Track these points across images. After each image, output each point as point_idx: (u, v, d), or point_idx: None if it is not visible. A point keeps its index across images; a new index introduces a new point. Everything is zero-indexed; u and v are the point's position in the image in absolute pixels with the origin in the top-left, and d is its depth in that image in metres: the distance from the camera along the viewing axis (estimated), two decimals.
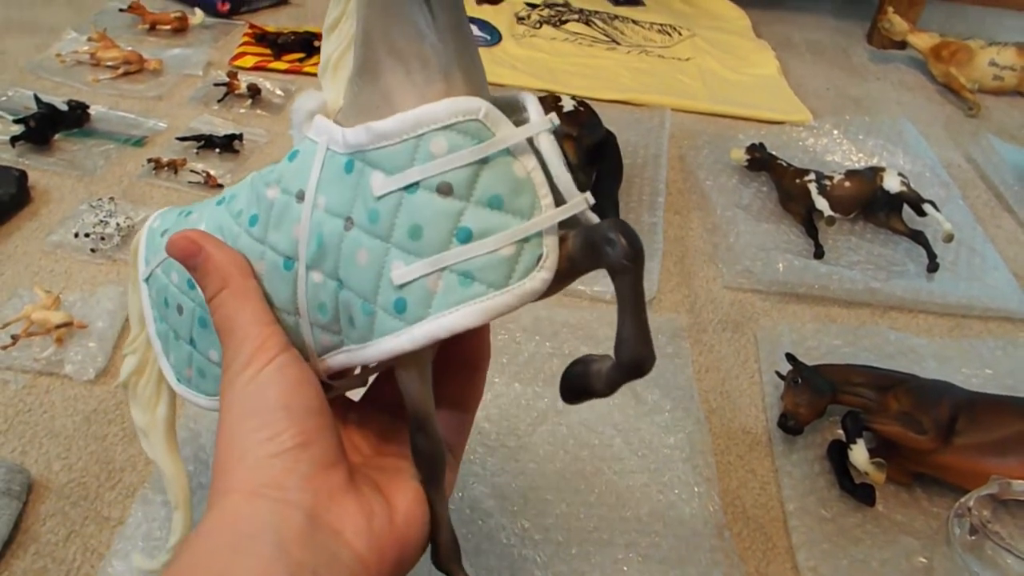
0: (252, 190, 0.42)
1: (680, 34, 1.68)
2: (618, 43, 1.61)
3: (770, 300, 0.97)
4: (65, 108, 1.10)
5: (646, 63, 1.53)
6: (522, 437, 0.75)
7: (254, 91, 1.23)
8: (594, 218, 0.38)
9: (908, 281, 1.00)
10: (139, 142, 1.12)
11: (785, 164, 1.13)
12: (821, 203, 1.04)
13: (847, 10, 1.94)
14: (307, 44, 1.39)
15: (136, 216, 0.95)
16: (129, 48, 1.28)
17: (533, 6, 1.70)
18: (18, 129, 1.05)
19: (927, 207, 1.04)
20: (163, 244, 0.46)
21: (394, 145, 0.36)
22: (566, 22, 1.66)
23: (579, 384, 0.39)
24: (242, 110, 1.22)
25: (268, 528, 0.34)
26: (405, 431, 0.43)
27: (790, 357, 0.80)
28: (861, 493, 0.73)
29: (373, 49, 0.37)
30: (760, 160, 1.15)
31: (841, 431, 0.75)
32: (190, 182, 1.04)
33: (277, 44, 1.38)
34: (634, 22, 1.71)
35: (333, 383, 0.44)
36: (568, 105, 1.06)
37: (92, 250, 0.91)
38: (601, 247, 0.35)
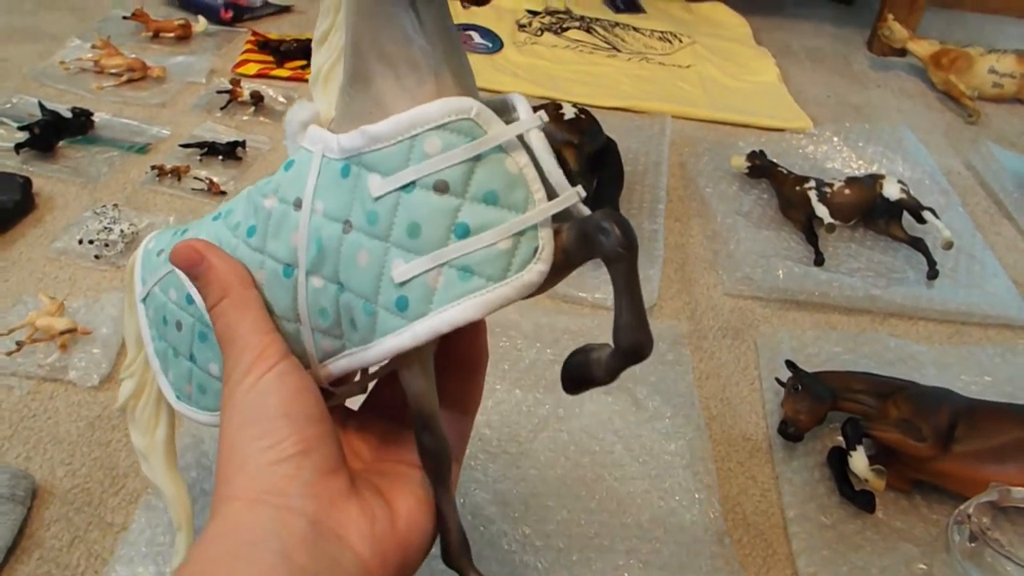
0: (248, 202, 0.43)
1: (680, 41, 1.68)
2: (619, 50, 1.61)
3: (770, 307, 0.98)
4: (69, 115, 1.11)
5: (647, 70, 1.54)
6: (523, 443, 0.75)
7: (257, 98, 1.24)
8: (586, 211, 0.39)
9: (908, 288, 1.00)
10: (143, 149, 1.12)
11: (785, 171, 1.13)
12: (821, 210, 1.04)
13: (847, 17, 1.95)
14: (309, 51, 1.38)
15: (140, 223, 0.96)
16: (133, 55, 1.29)
17: (534, 13, 1.71)
18: (23, 136, 1.06)
19: (927, 214, 1.04)
20: (160, 263, 0.47)
21: (389, 147, 0.36)
22: (567, 29, 1.67)
23: (579, 373, 0.39)
24: (245, 117, 1.23)
25: (270, 535, 0.35)
26: (406, 437, 0.44)
27: (790, 364, 0.81)
28: (861, 500, 0.73)
29: (363, 57, 0.37)
30: (760, 167, 1.15)
31: (841, 438, 0.76)
32: (193, 189, 1.05)
33: (280, 51, 1.39)
34: (635, 29, 1.71)
35: (334, 390, 0.45)
36: (569, 113, 1.06)
37: (96, 257, 0.91)
38: (595, 237, 0.36)
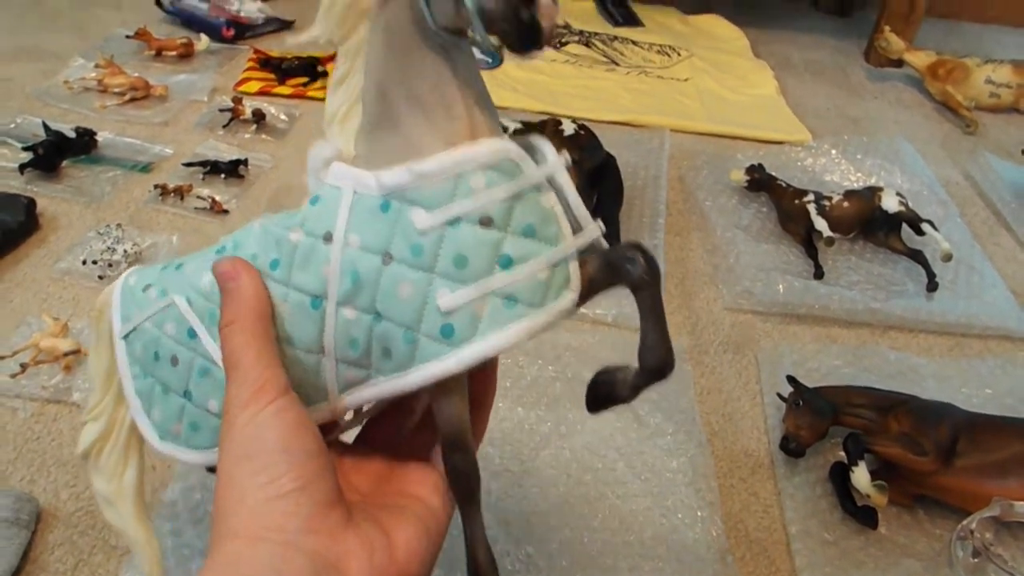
0: (266, 236, 0.43)
1: (679, 54, 1.69)
2: (617, 64, 1.62)
3: (771, 321, 0.98)
4: (73, 135, 1.12)
5: (645, 84, 1.55)
6: (526, 462, 0.76)
7: (259, 116, 1.24)
8: (605, 242, 0.42)
9: (908, 300, 1.00)
10: (146, 168, 1.13)
11: (784, 185, 1.14)
12: (820, 224, 1.05)
13: (845, 29, 1.96)
14: (311, 68, 1.40)
15: (143, 243, 0.96)
16: (136, 74, 1.30)
17: None
18: (27, 156, 1.07)
19: (925, 227, 1.05)
20: (151, 299, 0.46)
21: (435, 183, 0.39)
22: (566, 44, 1.68)
23: (605, 392, 0.43)
24: (247, 135, 1.23)
25: (271, 571, 0.35)
26: (402, 472, 0.45)
27: (791, 379, 0.81)
28: (864, 515, 0.73)
29: (389, 101, 0.40)
30: (759, 181, 1.16)
31: (843, 453, 0.76)
32: (196, 208, 1.05)
33: (281, 69, 1.40)
34: (633, 43, 1.72)
35: (341, 421, 0.45)
36: (569, 129, 1.07)
37: (100, 277, 0.92)
38: (623, 267, 0.40)
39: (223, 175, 1.12)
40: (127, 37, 1.43)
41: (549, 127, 1.10)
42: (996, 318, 0.99)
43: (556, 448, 0.77)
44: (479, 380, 0.47)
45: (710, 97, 1.52)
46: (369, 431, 0.49)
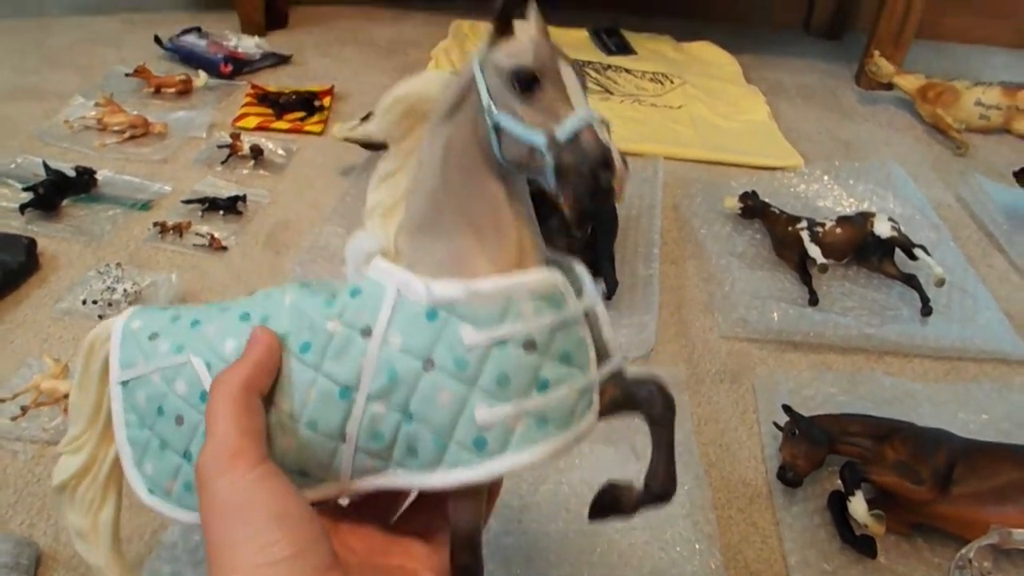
0: (299, 316, 0.44)
1: (672, 82, 1.71)
2: (611, 92, 1.64)
3: (766, 349, 0.99)
4: (73, 174, 1.13)
5: (639, 112, 1.56)
6: (524, 497, 0.76)
7: (256, 152, 1.26)
8: (625, 366, 0.46)
9: (902, 326, 1.01)
10: (145, 206, 1.14)
11: (778, 211, 1.15)
12: (814, 250, 1.06)
13: (835, 52, 1.98)
14: (308, 103, 1.42)
15: (143, 281, 0.97)
16: (135, 112, 1.31)
17: None
18: (27, 196, 1.08)
19: (918, 252, 1.06)
20: (155, 349, 0.46)
21: (487, 304, 0.41)
22: None
23: (609, 505, 0.47)
24: (245, 171, 1.25)
25: None
26: (401, 544, 0.46)
27: (787, 408, 0.82)
28: (862, 545, 0.74)
29: (440, 211, 0.43)
30: (753, 208, 1.17)
31: (840, 481, 0.76)
32: (195, 245, 1.06)
33: (279, 104, 1.41)
34: (626, 71, 1.74)
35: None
36: None
37: (100, 316, 0.92)
38: (643, 403, 0.45)
39: (222, 211, 1.13)
40: (126, 75, 1.45)
41: None
42: (991, 342, 1.00)
43: (555, 483, 0.78)
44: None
45: (703, 124, 1.54)
46: (366, 498, 0.49)
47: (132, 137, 1.29)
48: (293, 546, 0.37)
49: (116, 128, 1.29)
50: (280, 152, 1.30)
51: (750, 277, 1.09)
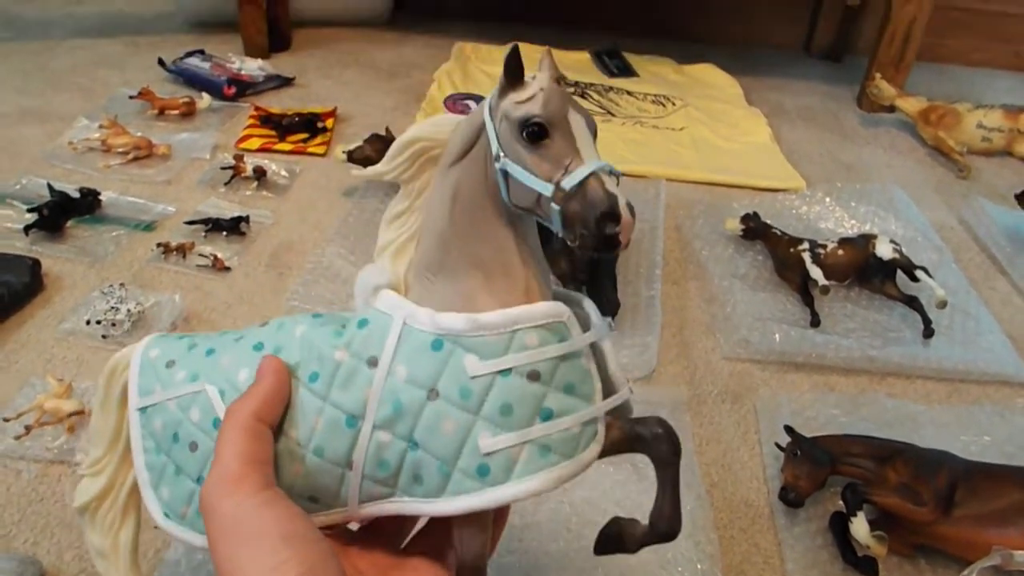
0: (309, 347, 0.45)
1: (674, 104, 1.72)
2: (613, 115, 1.65)
3: (768, 370, 0.99)
4: (77, 195, 1.13)
5: (641, 134, 1.57)
6: (525, 516, 0.76)
7: (260, 173, 1.27)
8: (631, 402, 0.47)
9: (904, 348, 1.01)
10: (149, 227, 1.15)
11: (779, 233, 1.15)
12: (815, 272, 1.06)
13: (837, 75, 1.99)
14: (311, 125, 1.43)
15: (146, 302, 0.98)
16: (139, 134, 1.32)
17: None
18: (31, 217, 1.09)
19: (920, 274, 1.06)
20: (172, 377, 0.47)
21: (492, 335, 0.42)
22: None
23: (613, 543, 0.49)
24: (248, 192, 1.25)
25: None
26: (410, 564, 0.46)
27: (788, 429, 0.82)
28: (865, 566, 0.73)
29: (449, 253, 0.45)
30: (755, 229, 1.17)
31: (842, 502, 0.76)
32: (198, 265, 1.07)
33: (282, 125, 1.42)
34: (628, 93, 1.75)
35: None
36: None
37: (103, 336, 0.93)
38: (649, 442, 0.45)
39: (225, 232, 1.13)
40: (130, 97, 1.46)
41: None
42: (993, 364, 1.00)
43: (556, 502, 0.77)
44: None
45: (705, 146, 1.54)
46: (376, 522, 0.50)
47: (136, 159, 1.30)
48: (302, 565, 0.37)
49: (120, 150, 1.30)
50: (283, 173, 1.31)
51: (752, 298, 1.09)
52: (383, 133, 1.26)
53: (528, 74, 0.43)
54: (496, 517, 0.49)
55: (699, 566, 0.72)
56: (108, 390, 0.50)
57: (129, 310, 0.95)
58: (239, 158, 1.28)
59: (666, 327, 1.04)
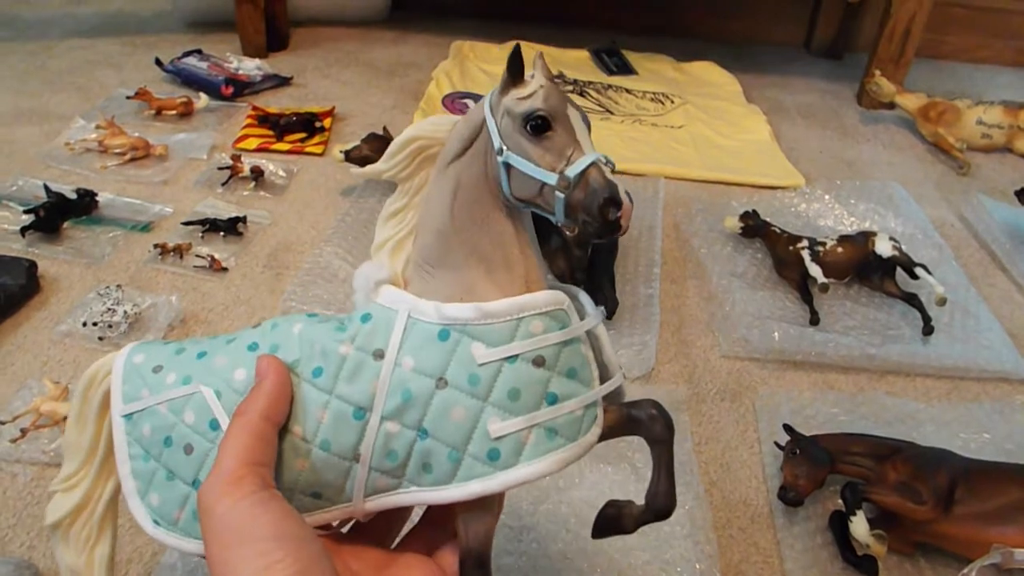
0: (309, 344, 0.46)
1: (672, 102, 1.71)
2: (612, 113, 1.64)
3: (768, 368, 0.98)
4: (74, 196, 1.13)
5: (640, 132, 1.56)
6: (524, 517, 0.75)
7: (257, 173, 1.26)
8: (625, 386, 0.48)
9: (904, 345, 1.01)
10: (146, 228, 1.14)
11: (778, 231, 1.15)
12: (815, 270, 1.06)
13: (836, 72, 1.98)
14: (308, 124, 1.42)
15: (143, 303, 0.97)
16: (136, 134, 1.32)
17: None
18: (28, 219, 1.08)
19: (919, 271, 1.05)
20: (161, 381, 0.47)
21: (499, 323, 0.44)
22: None
23: (610, 524, 0.49)
24: (245, 192, 1.25)
25: None
26: (403, 561, 0.47)
27: (788, 428, 0.81)
28: (864, 565, 0.73)
29: (450, 247, 0.46)
30: (754, 227, 1.17)
31: (842, 501, 0.76)
32: (195, 266, 1.07)
33: (279, 125, 1.42)
34: (627, 91, 1.75)
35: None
36: None
37: (100, 338, 0.92)
38: (644, 423, 0.46)
39: (222, 233, 1.13)
40: (128, 97, 1.45)
41: None
42: (993, 361, 1.00)
43: (554, 503, 0.77)
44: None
45: (704, 144, 1.54)
46: (366, 523, 0.49)
47: (133, 159, 1.29)
48: (296, 564, 0.37)
49: (117, 150, 1.29)
50: (281, 173, 1.30)
51: (751, 297, 1.08)
52: (381, 132, 1.26)
53: (527, 72, 0.45)
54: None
55: (698, 566, 0.72)
56: (86, 399, 0.49)
57: (126, 311, 0.95)
58: (236, 158, 1.27)
59: (664, 326, 1.04)
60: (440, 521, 0.50)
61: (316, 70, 1.74)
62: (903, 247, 1.08)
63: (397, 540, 0.51)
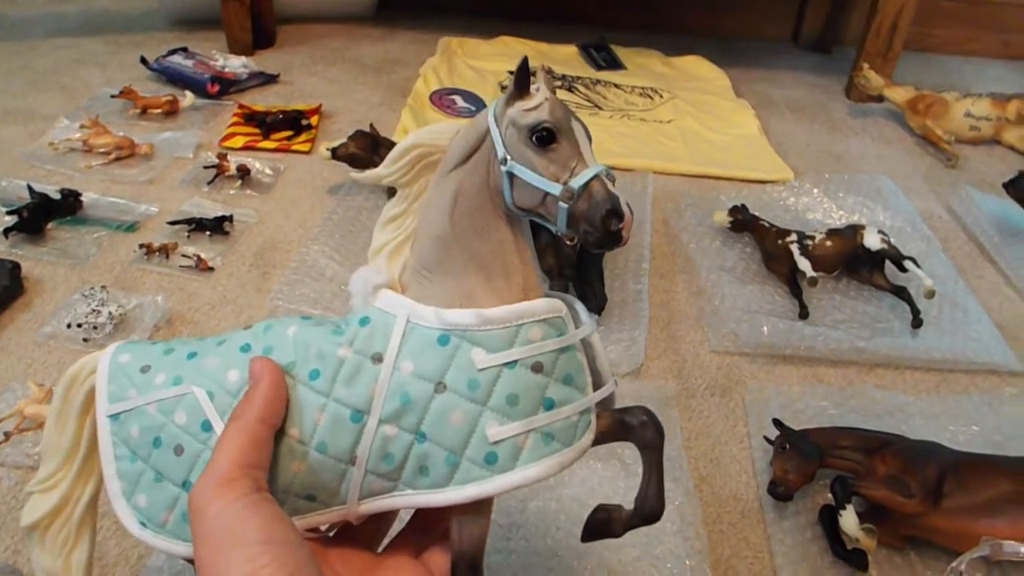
0: (305, 347, 0.46)
1: (661, 96, 1.71)
2: (601, 108, 1.64)
3: (757, 363, 0.98)
4: (58, 196, 1.12)
5: (629, 127, 1.56)
6: (513, 515, 0.75)
7: (243, 171, 1.25)
8: (615, 395, 0.49)
9: (893, 339, 1.01)
10: (131, 227, 1.13)
11: (767, 225, 1.15)
12: (803, 264, 1.05)
13: (825, 66, 1.98)
14: (295, 122, 1.41)
15: (128, 304, 0.96)
16: (121, 133, 1.31)
17: None
18: (11, 220, 1.07)
19: (908, 264, 1.05)
20: (150, 382, 0.46)
21: (498, 329, 0.44)
22: None
23: (600, 528, 0.50)
24: (232, 191, 1.24)
25: None
26: (389, 562, 0.47)
27: (777, 423, 0.81)
28: (854, 559, 0.73)
29: (449, 253, 0.46)
30: (742, 222, 1.16)
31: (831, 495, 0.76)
32: (181, 266, 1.06)
33: (266, 123, 1.41)
34: (616, 86, 1.74)
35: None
36: None
37: (85, 340, 0.92)
38: (635, 429, 0.48)
39: (208, 232, 1.12)
40: (112, 96, 1.44)
41: None
42: (982, 353, 1.00)
43: (544, 500, 0.77)
44: None
45: (693, 138, 1.54)
46: (352, 527, 0.49)
47: (118, 158, 1.28)
48: (283, 569, 0.37)
49: (102, 150, 1.28)
50: (267, 172, 1.29)
51: (740, 291, 1.08)
52: (368, 130, 1.25)
53: (533, 86, 0.46)
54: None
55: (688, 561, 0.72)
56: (68, 399, 0.49)
57: (111, 312, 0.94)
58: (222, 156, 1.27)
59: (654, 321, 1.03)
60: (428, 526, 0.50)
61: (303, 67, 1.74)
62: (891, 240, 1.08)
63: (384, 544, 0.51)
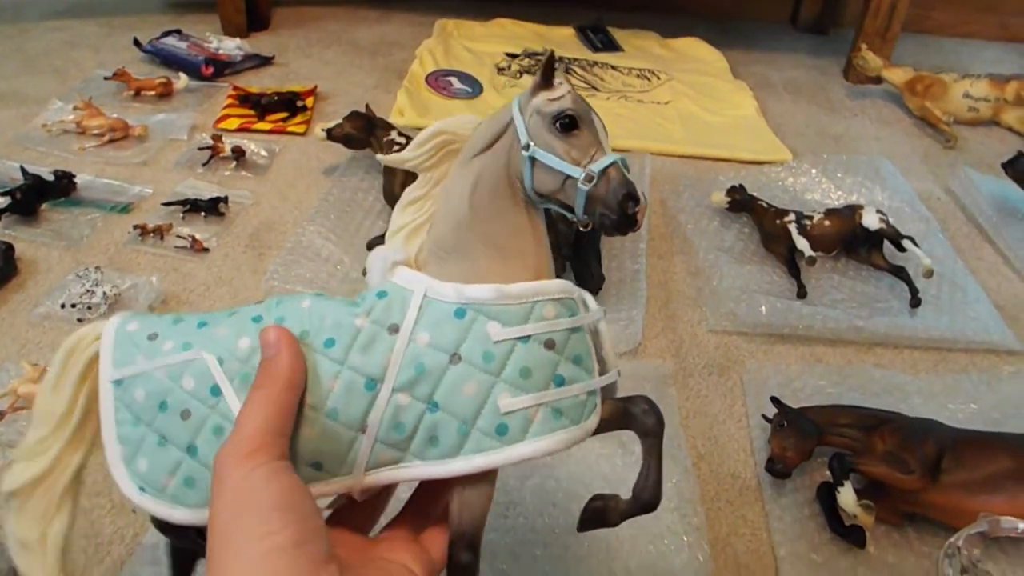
0: (320, 317, 0.46)
1: (659, 78, 1.70)
2: (598, 89, 1.63)
3: (755, 342, 0.98)
4: (51, 178, 1.11)
5: (626, 108, 1.55)
6: (511, 493, 0.75)
7: (238, 153, 1.25)
8: (618, 383, 0.50)
9: (891, 318, 1.00)
10: (125, 209, 1.13)
11: (766, 205, 1.14)
12: (802, 243, 1.05)
13: (823, 47, 1.98)
14: (290, 104, 1.40)
15: (123, 284, 0.96)
16: (115, 115, 1.30)
17: (513, 56, 1.73)
18: (4, 201, 1.07)
19: (906, 243, 1.05)
20: (157, 348, 0.46)
21: (515, 304, 0.46)
22: None
23: (596, 517, 0.51)
24: (227, 172, 1.23)
25: None
26: (385, 542, 0.47)
27: (775, 400, 0.81)
28: (852, 535, 0.73)
29: (467, 236, 0.48)
30: (741, 202, 1.16)
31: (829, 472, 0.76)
32: (176, 247, 1.05)
33: (261, 105, 1.40)
34: (613, 68, 1.73)
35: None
36: None
37: (79, 320, 0.91)
38: (637, 417, 0.49)
39: (203, 213, 1.11)
40: (106, 78, 1.43)
41: None
42: (980, 332, 0.99)
43: (542, 477, 0.77)
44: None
45: (691, 119, 1.53)
46: (347, 511, 0.49)
47: (112, 140, 1.27)
48: (295, 535, 0.37)
49: (95, 131, 1.27)
50: (262, 153, 1.28)
51: (738, 271, 1.08)
52: (363, 111, 1.24)
53: (556, 80, 0.49)
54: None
55: (686, 539, 0.71)
56: (67, 365, 0.48)
57: (105, 293, 0.93)
58: (217, 138, 1.26)
59: (651, 301, 1.03)
60: (427, 507, 0.50)
61: (298, 49, 1.72)
62: (890, 220, 1.08)
63: (378, 530, 0.50)
